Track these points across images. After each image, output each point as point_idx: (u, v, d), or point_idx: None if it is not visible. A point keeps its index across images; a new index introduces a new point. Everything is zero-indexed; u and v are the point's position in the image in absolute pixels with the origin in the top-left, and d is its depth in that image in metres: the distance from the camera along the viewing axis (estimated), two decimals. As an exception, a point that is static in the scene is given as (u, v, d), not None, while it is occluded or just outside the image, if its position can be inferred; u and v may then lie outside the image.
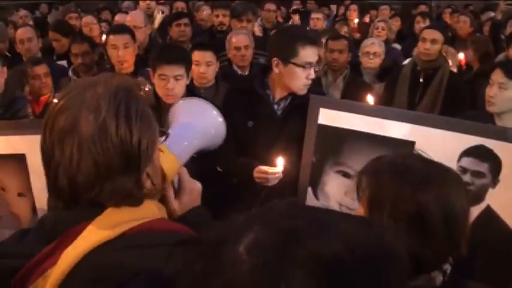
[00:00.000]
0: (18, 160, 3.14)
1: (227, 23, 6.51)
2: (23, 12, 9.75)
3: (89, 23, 7.46)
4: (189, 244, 1.27)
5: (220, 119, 2.04)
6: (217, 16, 6.63)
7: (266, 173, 3.08)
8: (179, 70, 3.51)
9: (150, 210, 1.45)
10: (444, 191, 1.63)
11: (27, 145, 3.11)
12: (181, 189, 1.75)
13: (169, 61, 3.49)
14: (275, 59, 3.20)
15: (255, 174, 3.12)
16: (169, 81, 3.48)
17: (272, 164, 3.07)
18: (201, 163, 3.46)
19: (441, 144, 2.74)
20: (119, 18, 6.92)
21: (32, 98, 4.77)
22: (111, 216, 1.36)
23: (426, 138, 2.78)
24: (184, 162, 1.81)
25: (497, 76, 3.39)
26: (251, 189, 3.21)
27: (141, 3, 7.68)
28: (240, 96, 3.50)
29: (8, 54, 6.58)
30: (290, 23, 8.89)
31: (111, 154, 1.32)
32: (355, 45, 6.98)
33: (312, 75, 3.15)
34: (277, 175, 3.05)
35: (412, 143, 2.79)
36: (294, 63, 3.13)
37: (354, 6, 10.05)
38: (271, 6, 8.82)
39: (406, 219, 1.59)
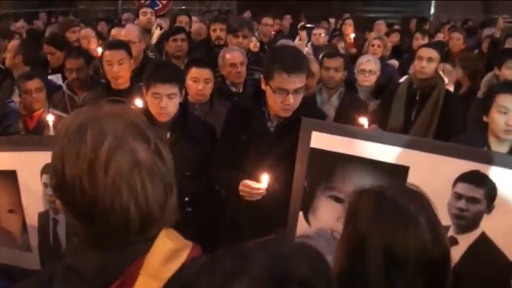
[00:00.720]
0: (9, 176, 3.12)
1: (224, 37, 6.48)
2: (20, 23, 9.71)
3: (87, 36, 7.50)
4: None
5: None
6: (215, 30, 6.60)
7: (250, 187, 3.10)
8: (173, 89, 3.49)
9: (178, 239, 1.40)
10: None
11: (18, 161, 3.08)
12: None
13: (162, 80, 3.46)
14: (262, 75, 3.26)
15: (240, 187, 3.15)
16: (163, 99, 3.46)
17: (258, 180, 3.09)
18: (196, 180, 3.50)
19: (436, 170, 2.71)
20: (114, 32, 6.89)
21: (25, 112, 4.72)
22: (162, 247, 1.31)
23: (420, 163, 2.74)
24: None
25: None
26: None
27: (141, 17, 7.65)
28: (238, 110, 3.54)
29: (1, 66, 6.59)
30: (297, 39, 8.87)
31: (170, 173, 1.34)
32: (350, 60, 6.97)
33: (289, 101, 3.10)
34: (260, 191, 3.07)
35: (406, 168, 2.75)
36: (270, 86, 3.15)
37: (349, 21, 9.99)
38: (268, 20, 8.82)
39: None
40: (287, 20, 12.16)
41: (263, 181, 3.06)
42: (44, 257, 3.16)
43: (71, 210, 1.31)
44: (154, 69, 3.64)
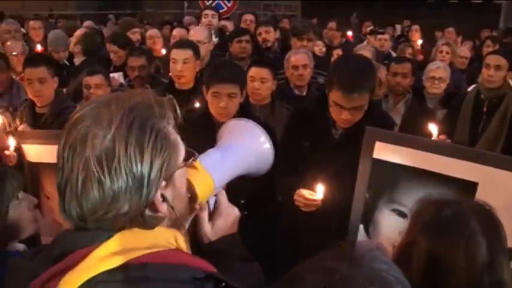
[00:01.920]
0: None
1: (271, 39, 6.43)
2: (87, 22, 9.92)
3: (153, 36, 7.67)
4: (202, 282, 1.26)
5: (268, 146, 1.92)
6: (260, 34, 6.58)
7: (305, 198, 3.03)
8: (233, 88, 3.44)
9: (164, 239, 1.35)
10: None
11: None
12: (217, 213, 1.67)
13: (223, 80, 3.43)
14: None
15: (295, 197, 3.09)
16: (223, 99, 3.42)
17: (314, 190, 3.01)
18: (257, 182, 3.44)
19: (506, 187, 2.54)
20: (176, 32, 6.94)
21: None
22: (118, 242, 1.27)
23: (490, 179, 2.58)
24: (222, 185, 1.73)
25: None
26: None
27: (203, 19, 7.68)
28: (302, 116, 3.49)
29: (66, 62, 6.72)
30: (365, 43, 8.75)
31: (118, 175, 1.24)
32: (418, 67, 6.80)
33: (346, 117, 3.06)
34: (315, 202, 3.00)
35: (474, 184, 2.60)
36: (330, 97, 3.13)
37: (416, 27, 9.81)
38: (333, 24, 8.74)
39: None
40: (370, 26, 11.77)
41: (318, 192, 2.99)
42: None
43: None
44: (215, 68, 3.61)
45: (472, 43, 9.39)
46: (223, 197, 1.70)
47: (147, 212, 1.30)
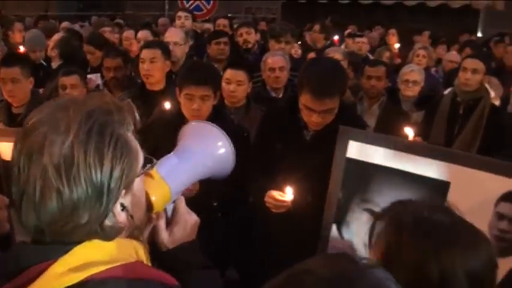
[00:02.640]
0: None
1: (252, 40, 6.44)
2: (65, 23, 9.87)
3: (129, 38, 7.67)
4: None
5: (227, 149, 1.86)
6: (241, 35, 6.59)
7: (275, 199, 3.02)
8: (206, 91, 3.42)
9: (124, 252, 1.32)
10: (471, 255, 1.48)
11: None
12: (174, 220, 1.62)
13: (195, 82, 3.41)
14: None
15: (265, 198, 3.08)
16: (195, 101, 3.41)
17: (284, 192, 3.00)
18: (229, 184, 3.42)
19: (478, 187, 2.53)
20: (140, 35, 6.99)
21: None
22: (77, 256, 1.23)
23: (462, 179, 2.57)
24: (180, 191, 1.68)
25: None
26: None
27: (176, 21, 7.69)
28: (274, 117, 3.49)
29: (43, 62, 6.67)
30: (343, 46, 8.79)
31: (77, 184, 1.19)
32: (395, 71, 6.84)
33: (316, 120, 3.07)
34: (284, 204, 2.99)
35: (447, 184, 2.59)
36: (300, 100, 3.13)
37: (393, 31, 9.88)
38: (317, 27, 8.79)
39: (426, 282, 1.44)
40: (351, 30, 11.72)
41: (288, 193, 2.98)
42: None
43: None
44: (188, 70, 3.60)
45: (446, 47, 9.45)
46: (181, 204, 1.66)
47: (107, 222, 1.26)
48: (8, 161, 3.25)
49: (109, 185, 1.22)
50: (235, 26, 8.78)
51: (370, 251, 1.61)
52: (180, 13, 7.82)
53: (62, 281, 1.18)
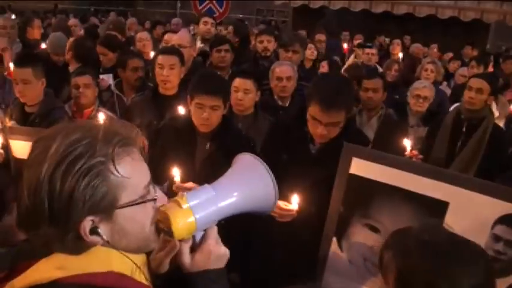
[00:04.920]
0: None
1: (271, 48, 6.49)
2: (72, 21, 9.85)
3: (143, 39, 7.66)
4: None
5: (272, 190, 1.76)
6: (262, 42, 6.62)
7: (280, 208, 3.04)
8: (216, 101, 3.51)
9: (101, 262, 1.42)
10: (476, 273, 1.61)
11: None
12: (199, 249, 1.62)
13: (207, 92, 3.49)
14: None
15: None
16: (205, 111, 3.48)
17: (289, 201, 3.04)
18: None
19: (476, 209, 2.60)
20: (167, 37, 6.97)
21: (75, 109, 4.81)
22: (53, 259, 1.39)
23: (461, 200, 2.64)
24: (211, 223, 1.62)
25: None
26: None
27: (201, 25, 7.66)
28: (281, 129, 3.55)
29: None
30: (353, 56, 8.83)
31: (40, 201, 1.33)
32: (404, 83, 6.88)
33: (322, 132, 3.13)
34: (290, 213, 3.02)
35: (446, 204, 2.67)
36: (308, 111, 3.20)
37: (397, 41, 9.94)
38: (321, 36, 8.79)
39: None
40: (359, 40, 11.58)
41: (293, 203, 3.02)
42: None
43: None
44: (200, 79, 3.66)
45: (459, 62, 9.50)
46: (211, 233, 1.63)
47: (69, 238, 1.37)
48: (20, 159, 3.35)
49: (68, 207, 1.33)
50: (254, 31, 8.80)
51: (383, 280, 1.73)
52: (206, 18, 7.73)
53: (31, 279, 1.35)
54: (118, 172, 1.38)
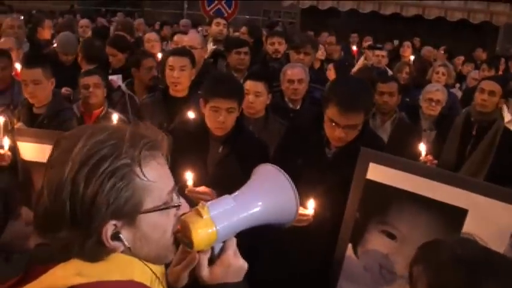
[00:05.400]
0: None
1: (282, 50, 6.44)
2: (83, 21, 9.83)
3: (151, 40, 7.61)
4: None
5: (294, 203, 1.72)
6: (273, 44, 6.57)
7: None
8: (232, 103, 3.47)
9: (122, 270, 1.37)
10: (507, 284, 1.57)
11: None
12: (218, 261, 1.57)
13: (223, 95, 3.44)
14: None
15: None
16: (221, 114, 3.44)
17: (305, 206, 2.99)
18: None
19: (495, 216, 2.57)
20: (177, 38, 6.93)
21: (84, 110, 4.78)
22: (71, 264, 1.32)
23: (480, 207, 2.61)
24: (232, 234, 1.58)
25: None
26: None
27: (214, 26, 7.62)
28: (297, 132, 3.51)
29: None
30: (362, 58, 8.77)
31: (62, 203, 1.28)
32: (416, 87, 6.82)
33: (340, 134, 3.08)
34: (305, 217, 2.96)
35: (465, 211, 2.63)
36: (325, 113, 3.15)
37: (407, 43, 9.90)
38: (332, 39, 8.74)
39: None
40: (368, 41, 11.44)
41: (309, 207, 2.97)
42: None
43: None
44: (215, 82, 3.61)
45: (472, 64, 9.46)
46: (230, 246, 1.58)
47: (90, 242, 1.32)
48: (27, 161, 3.32)
49: (90, 210, 1.29)
50: (264, 32, 8.75)
51: None
52: (219, 20, 7.67)
53: (47, 285, 1.30)
54: (144, 176, 1.34)
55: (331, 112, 3.07)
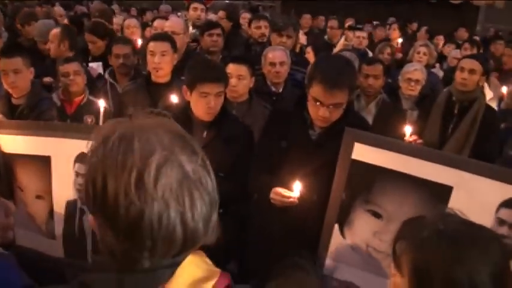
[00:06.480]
0: (43, 162, 3.10)
1: (267, 34, 6.40)
2: (58, 9, 9.67)
3: (131, 26, 7.48)
4: None
5: None
6: (259, 27, 6.53)
7: (281, 195, 3.01)
8: (221, 87, 3.49)
9: (209, 264, 1.34)
10: (492, 256, 1.58)
11: (54, 148, 3.06)
12: None
13: (212, 80, 3.45)
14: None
15: (271, 195, 3.07)
16: (212, 99, 3.44)
17: (290, 188, 3.00)
18: (228, 182, 3.44)
19: (480, 192, 2.58)
20: (157, 24, 6.85)
21: (63, 97, 4.73)
22: (184, 277, 1.24)
23: (464, 184, 2.62)
24: None
25: None
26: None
27: (191, 12, 7.55)
28: (280, 115, 3.50)
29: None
30: (342, 39, 8.75)
31: (215, 188, 1.25)
32: (397, 67, 6.82)
33: (324, 114, 3.06)
34: (291, 199, 2.98)
35: (450, 188, 2.64)
36: (309, 93, 3.12)
37: (395, 26, 9.88)
38: (332, 23, 8.73)
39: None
40: (350, 22, 11.35)
41: (295, 190, 2.97)
42: (67, 245, 3.13)
43: (111, 226, 1.18)
44: (202, 68, 3.60)
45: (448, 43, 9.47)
46: None
47: (211, 226, 1.27)
48: (7, 154, 3.28)
49: (215, 193, 1.25)
50: (247, 16, 8.67)
51: (396, 272, 1.69)
52: (195, 4, 7.54)
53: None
54: None
55: (315, 91, 3.05)
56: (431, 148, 3.60)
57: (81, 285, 1.25)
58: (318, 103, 3.05)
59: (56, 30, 6.10)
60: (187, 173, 1.19)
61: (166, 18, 7.02)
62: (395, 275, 1.70)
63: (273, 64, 5.01)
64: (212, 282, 1.25)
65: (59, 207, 3.11)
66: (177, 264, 1.23)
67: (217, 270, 1.30)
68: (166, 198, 1.15)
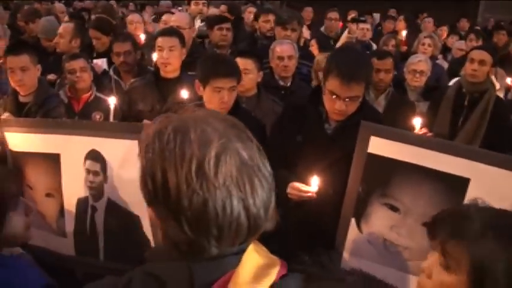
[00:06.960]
0: (52, 159, 3.09)
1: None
2: (58, 6, 9.64)
3: (134, 21, 7.43)
4: None
5: None
6: (268, 21, 6.51)
7: (299, 190, 3.01)
8: (234, 82, 3.49)
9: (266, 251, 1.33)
10: None
11: (64, 145, 3.05)
12: None
13: (225, 74, 3.45)
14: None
15: (288, 190, 3.06)
16: (225, 93, 3.44)
17: (308, 183, 2.99)
18: None
19: (497, 184, 2.57)
20: (166, 18, 6.82)
21: (70, 94, 4.71)
22: (250, 264, 1.24)
23: (482, 176, 2.61)
24: None
25: None
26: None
27: (193, 6, 7.53)
28: (295, 109, 3.47)
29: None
30: (346, 32, 8.69)
31: (271, 174, 1.27)
32: (401, 59, 6.80)
33: (341, 107, 3.05)
34: (309, 194, 2.98)
35: (467, 180, 2.63)
36: (325, 87, 3.11)
37: (401, 17, 9.83)
38: (333, 14, 8.67)
39: None
40: (353, 14, 11.20)
41: (313, 184, 2.97)
42: (79, 244, 3.15)
43: (174, 217, 1.19)
44: (215, 63, 3.59)
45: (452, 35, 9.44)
46: None
47: (270, 211, 1.28)
48: (16, 152, 3.26)
49: (272, 179, 1.27)
50: (251, 9, 8.63)
51: (445, 271, 1.70)
52: None
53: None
54: None
55: (331, 84, 3.04)
56: (447, 140, 3.58)
57: (148, 276, 1.27)
58: (334, 96, 3.04)
59: (68, 26, 6.10)
60: (245, 160, 1.20)
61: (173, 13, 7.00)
62: (445, 273, 1.70)
63: (281, 58, 5.00)
64: (275, 270, 1.25)
65: (70, 205, 3.11)
66: (243, 251, 1.24)
67: (276, 258, 1.30)
68: (227, 186, 1.16)
